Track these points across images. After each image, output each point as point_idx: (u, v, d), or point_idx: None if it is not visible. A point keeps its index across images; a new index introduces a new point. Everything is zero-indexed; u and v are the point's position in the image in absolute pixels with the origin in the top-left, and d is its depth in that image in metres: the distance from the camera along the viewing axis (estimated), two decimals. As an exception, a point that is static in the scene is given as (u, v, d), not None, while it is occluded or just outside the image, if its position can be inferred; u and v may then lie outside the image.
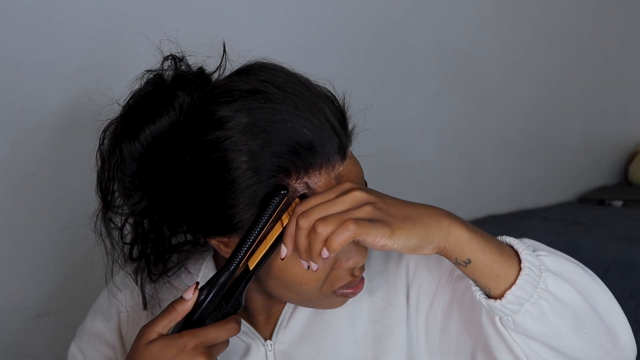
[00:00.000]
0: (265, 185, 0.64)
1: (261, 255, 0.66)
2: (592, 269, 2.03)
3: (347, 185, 0.64)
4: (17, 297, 1.17)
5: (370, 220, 0.61)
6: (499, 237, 0.68)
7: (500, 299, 0.64)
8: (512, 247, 0.67)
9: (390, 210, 0.63)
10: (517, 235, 2.02)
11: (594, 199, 2.58)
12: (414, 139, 2.00)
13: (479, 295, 0.66)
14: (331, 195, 0.63)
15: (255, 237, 0.65)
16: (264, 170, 0.64)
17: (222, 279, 0.67)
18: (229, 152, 0.64)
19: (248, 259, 0.67)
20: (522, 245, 0.66)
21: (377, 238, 0.60)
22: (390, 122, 1.88)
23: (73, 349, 0.85)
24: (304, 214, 0.62)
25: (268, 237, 0.66)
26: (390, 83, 1.88)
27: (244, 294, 0.69)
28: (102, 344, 0.83)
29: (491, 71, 2.26)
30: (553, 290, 0.64)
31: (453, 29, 2.08)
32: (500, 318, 0.65)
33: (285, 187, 0.64)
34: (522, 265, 0.64)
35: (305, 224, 0.62)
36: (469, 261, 0.64)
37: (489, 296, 0.66)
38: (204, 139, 0.65)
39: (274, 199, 0.63)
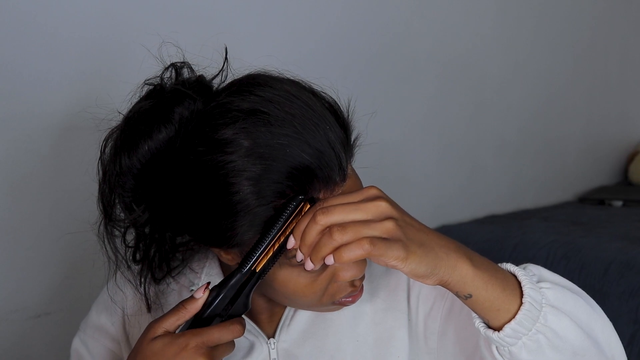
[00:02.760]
0: (265, 208, 0.64)
1: (267, 258, 0.66)
2: (592, 269, 2.04)
3: (373, 192, 0.62)
4: (17, 297, 1.17)
5: (387, 239, 0.59)
6: (503, 265, 0.67)
7: (498, 331, 0.64)
8: (515, 276, 0.66)
9: (408, 231, 0.61)
10: (517, 235, 2.04)
11: (594, 199, 2.58)
12: (415, 140, 2.00)
13: (477, 323, 0.66)
14: (355, 198, 0.62)
15: (269, 242, 0.64)
16: (264, 195, 0.63)
17: (233, 281, 0.67)
18: (229, 176, 0.63)
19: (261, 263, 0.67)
20: (526, 278, 0.65)
21: (390, 260, 0.59)
22: (393, 124, 1.88)
23: (76, 343, 0.84)
24: (324, 210, 0.60)
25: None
26: (393, 85, 1.89)
27: (251, 297, 0.69)
28: (107, 338, 0.83)
29: (492, 73, 2.26)
30: (552, 325, 0.64)
31: (454, 33, 2.09)
32: (497, 347, 0.66)
33: (303, 193, 0.63)
34: (523, 299, 0.64)
35: (322, 220, 0.60)
36: (470, 296, 0.64)
37: (488, 325, 0.66)
38: (204, 161, 0.64)
39: (291, 205, 0.63)
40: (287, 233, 0.64)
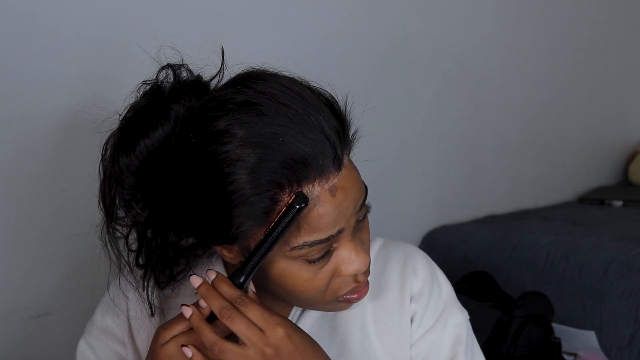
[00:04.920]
0: (260, 198, 0.64)
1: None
2: (592, 269, 2.05)
3: (276, 334, 0.66)
4: (17, 297, 1.17)
5: None
6: None
7: None
8: None
9: None
10: (517, 235, 2.04)
11: (594, 199, 2.58)
12: (416, 140, 2.00)
13: None
14: (261, 321, 0.66)
15: (270, 246, 0.65)
16: (259, 184, 0.63)
17: (239, 283, 0.68)
18: (224, 166, 0.64)
19: (259, 265, 0.67)
20: None
21: None
22: (393, 123, 1.88)
23: (82, 345, 0.84)
24: (232, 314, 0.65)
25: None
26: (393, 85, 1.89)
27: (248, 286, 0.69)
28: (113, 340, 0.83)
29: (492, 73, 2.26)
30: None
31: (454, 33, 2.09)
32: None
33: (306, 199, 0.63)
34: None
35: (226, 321, 0.65)
36: None
37: None
38: (199, 152, 0.65)
39: (292, 210, 0.63)
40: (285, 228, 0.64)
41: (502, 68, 2.30)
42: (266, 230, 0.65)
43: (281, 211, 0.64)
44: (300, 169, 0.64)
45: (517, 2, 2.33)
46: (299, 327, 0.68)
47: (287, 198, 0.64)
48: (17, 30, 1.13)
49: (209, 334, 0.66)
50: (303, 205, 0.63)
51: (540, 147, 2.51)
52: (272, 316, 0.66)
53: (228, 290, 0.67)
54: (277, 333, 0.65)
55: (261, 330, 0.65)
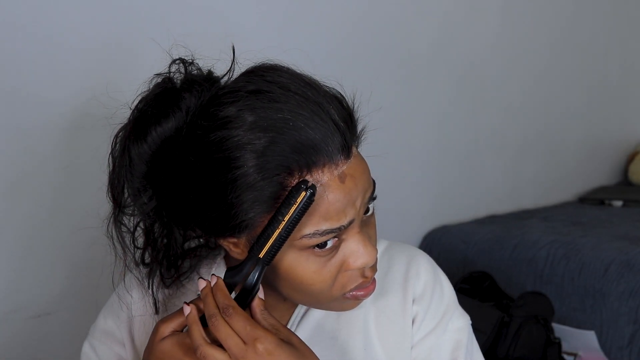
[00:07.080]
0: (268, 183, 0.64)
1: (272, 241, 0.66)
2: (592, 269, 2.04)
3: (264, 347, 0.65)
4: (17, 297, 1.18)
5: None
6: None
7: None
8: None
9: None
10: (517, 235, 2.04)
11: (594, 199, 2.58)
12: (415, 139, 2.00)
13: None
14: (248, 336, 0.65)
15: (287, 235, 0.64)
16: (267, 168, 0.64)
17: (244, 271, 0.68)
18: (233, 150, 0.64)
19: (274, 254, 0.66)
20: None
21: None
22: (393, 123, 1.88)
23: (86, 347, 0.85)
24: (218, 324, 0.65)
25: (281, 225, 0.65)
26: (393, 85, 1.89)
27: (259, 285, 0.69)
28: (114, 341, 0.83)
29: (493, 73, 2.26)
30: None
31: (455, 33, 2.09)
32: None
33: (312, 185, 0.63)
34: None
35: (215, 329, 0.66)
36: None
37: None
38: (208, 138, 0.65)
39: (299, 192, 0.63)
40: (293, 215, 0.64)
41: (503, 68, 2.30)
42: (283, 219, 0.64)
43: (297, 198, 0.63)
44: (311, 154, 0.64)
45: (518, 2, 2.33)
46: (284, 342, 0.67)
47: (295, 183, 0.64)
48: (27, 25, 1.13)
49: (196, 336, 0.66)
50: (310, 190, 0.63)
51: (540, 147, 2.51)
52: (254, 330, 0.65)
53: (220, 298, 0.67)
54: (256, 348, 0.65)
55: (245, 342, 0.65)
